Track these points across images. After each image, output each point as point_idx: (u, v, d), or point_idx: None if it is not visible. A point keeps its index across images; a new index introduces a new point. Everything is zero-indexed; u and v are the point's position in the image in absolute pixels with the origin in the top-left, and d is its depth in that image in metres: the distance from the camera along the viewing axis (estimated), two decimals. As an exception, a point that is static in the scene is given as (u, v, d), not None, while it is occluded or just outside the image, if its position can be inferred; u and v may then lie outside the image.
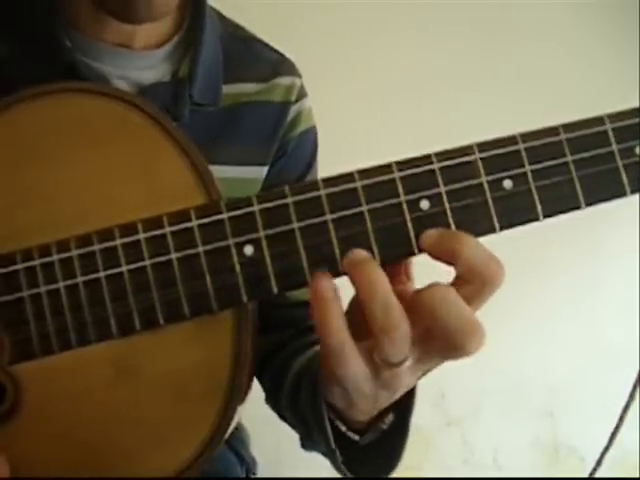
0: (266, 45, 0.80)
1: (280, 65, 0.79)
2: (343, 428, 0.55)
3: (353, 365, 0.46)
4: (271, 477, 1.06)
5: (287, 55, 0.82)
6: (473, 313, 0.45)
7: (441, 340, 0.45)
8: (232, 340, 0.48)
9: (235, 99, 0.74)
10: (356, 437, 0.56)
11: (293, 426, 0.68)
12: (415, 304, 0.45)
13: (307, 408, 0.58)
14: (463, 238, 0.46)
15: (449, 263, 0.46)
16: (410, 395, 0.54)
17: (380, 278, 0.45)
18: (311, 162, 0.82)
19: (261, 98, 0.76)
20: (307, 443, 0.64)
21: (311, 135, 0.82)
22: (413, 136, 1.44)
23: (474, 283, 0.45)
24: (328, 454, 0.58)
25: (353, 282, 0.45)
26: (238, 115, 0.74)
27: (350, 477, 0.57)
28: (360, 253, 0.46)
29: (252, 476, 0.87)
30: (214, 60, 0.73)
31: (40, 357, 0.47)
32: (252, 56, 0.78)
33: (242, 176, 0.74)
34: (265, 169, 0.76)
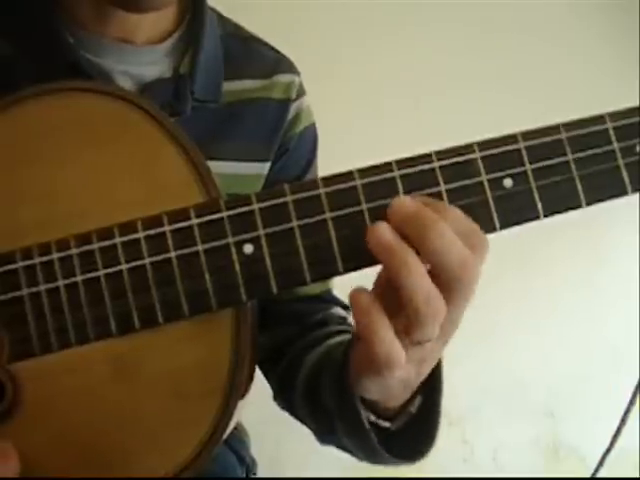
0: (264, 44, 0.81)
1: (279, 63, 0.80)
2: (372, 417, 0.55)
3: (400, 364, 0.46)
4: (271, 477, 1.06)
5: (287, 54, 0.82)
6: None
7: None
8: (231, 338, 0.48)
9: (236, 96, 0.74)
10: (387, 424, 0.55)
11: (307, 422, 0.68)
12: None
13: (330, 399, 0.58)
14: (444, 208, 0.45)
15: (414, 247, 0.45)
16: (436, 377, 0.54)
17: (420, 267, 0.44)
18: (312, 159, 0.82)
19: (261, 95, 0.76)
20: (326, 436, 0.64)
21: (311, 132, 0.82)
22: (411, 134, 1.44)
23: (439, 278, 0.44)
24: (355, 442, 0.57)
25: (389, 270, 0.45)
26: (239, 112, 0.74)
27: (385, 459, 0.57)
28: (391, 234, 0.45)
29: (252, 476, 0.87)
30: (214, 57, 0.73)
31: (39, 355, 0.47)
32: (251, 54, 0.78)
33: (244, 172, 0.74)
34: (267, 165, 0.76)
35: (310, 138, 0.82)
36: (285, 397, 0.73)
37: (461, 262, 0.44)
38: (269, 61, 0.79)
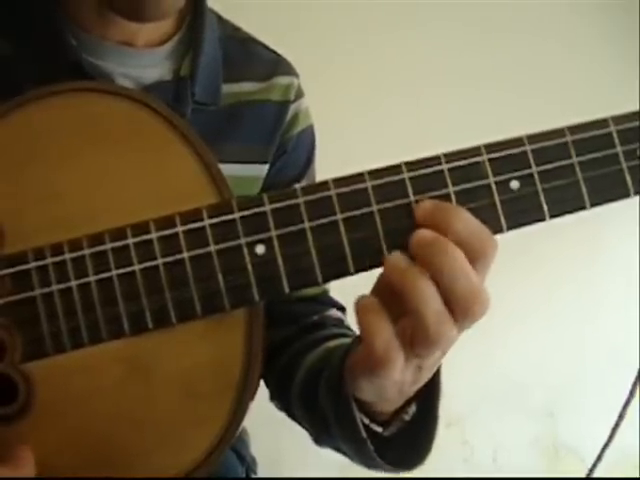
0: (263, 45, 0.81)
1: (278, 65, 0.80)
2: (366, 421, 0.55)
3: (398, 365, 0.47)
4: (271, 477, 1.06)
5: (285, 55, 0.82)
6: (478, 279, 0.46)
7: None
8: (244, 338, 0.48)
9: (235, 98, 0.75)
10: (379, 429, 0.56)
11: (303, 423, 0.68)
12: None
13: (327, 403, 0.58)
14: (455, 210, 0.47)
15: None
16: (434, 385, 0.55)
17: (431, 288, 0.45)
18: (310, 160, 0.83)
19: (260, 97, 0.77)
20: (322, 439, 0.64)
21: (310, 133, 0.82)
22: (412, 134, 1.45)
23: (466, 256, 0.46)
24: (351, 447, 0.57)
25: (402, 292, 0.46)
26: (238, 114, 0.75)
27: (381, 466, 0.57)
28: (403, 260, 0.47)
29: (252, 476, 0.86)
30: (214, 59, 0.74)
31: (52, 355, 0.47)
32: (250, 56, 0.79)
33: (243, 174, 0.74)
34: (265, 167, 0.77)
35: (308, 140, 0.82)
36: (282, 398, 0.73)
37: (470, 289, 0.45)
38: (268, 63, 0.79)
